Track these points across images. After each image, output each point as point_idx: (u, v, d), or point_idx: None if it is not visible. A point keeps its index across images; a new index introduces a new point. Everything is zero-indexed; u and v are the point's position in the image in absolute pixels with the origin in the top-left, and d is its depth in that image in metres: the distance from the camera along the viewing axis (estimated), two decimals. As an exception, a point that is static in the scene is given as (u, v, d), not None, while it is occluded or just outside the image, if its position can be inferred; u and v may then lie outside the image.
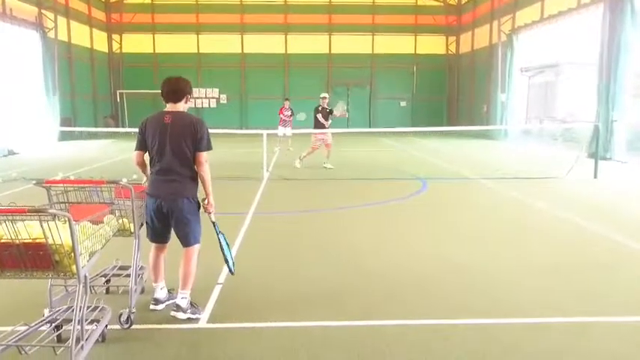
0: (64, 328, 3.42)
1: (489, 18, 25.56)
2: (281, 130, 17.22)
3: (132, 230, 3.92)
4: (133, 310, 3.81)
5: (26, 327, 3.30)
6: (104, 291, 4.42)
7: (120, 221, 3.84)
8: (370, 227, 7.17)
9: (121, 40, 29.95)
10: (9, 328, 3.35)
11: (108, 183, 3.63)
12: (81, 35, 26.12)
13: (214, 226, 4.18)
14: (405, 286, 4.77)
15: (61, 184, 3.65)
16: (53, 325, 3.41)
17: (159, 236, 4.06)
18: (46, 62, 21.57)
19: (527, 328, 3.88)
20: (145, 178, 4.13)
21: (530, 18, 21.11)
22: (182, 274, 4.00)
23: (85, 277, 3.08)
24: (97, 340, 3.49)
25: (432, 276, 5.06)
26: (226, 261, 4.18)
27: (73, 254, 2.90)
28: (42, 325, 3.40)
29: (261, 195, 9.49)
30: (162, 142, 3.84)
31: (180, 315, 3.93)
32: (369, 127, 29.26)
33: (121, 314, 3.78)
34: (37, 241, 2.83)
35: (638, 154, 14.57)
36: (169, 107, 3.96)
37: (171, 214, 3.91)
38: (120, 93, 29.30)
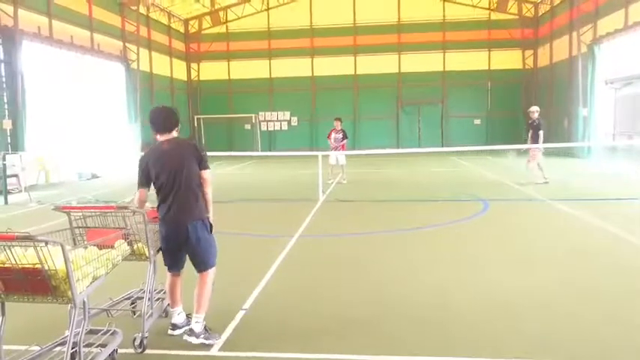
0: (74, 349, 3.49)
1: (568, 29, 24.16)
2: (333, 156, 14.47)
3: (147, 255, 3.96)
4: (146, 335, 3.84)
5: (38, 348, 3.41)
6: (131, 313, 4.50)
7: (135, 246, 3.90)
8: (415, 253, 6.84)
9: (198, 68, 31.53)
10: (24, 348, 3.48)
11: (118, 208, 3.71)
12: (161, 65, 27.81)
13: None
14: (437, 318, 4.45)
15: (79, 210, 3.78)
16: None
17: (174, 262, 4.10)
18: (129, 91, 23.16)
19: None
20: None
21: (613, 26, 19.66)
22: (197, 298, 3.99)
23: (84, 302, 3.13)
24: (107, 363, 3.54)
25: (466, 305, 4.68)
26: None
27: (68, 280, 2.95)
28: (56, 347, 3.50)
29: (312, 217, 9.42)
30: (166, 168, 3.89)
31: (193, 340, 3.90)
32: (442, 145, 28.47)
33: (134, 338, 3.82)
34: (36, 266, 2.91)
35: None
36: (164, 137, 4.02)
37: (185, 239, 3.92)
38: (197, 118, 30.78)
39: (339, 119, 14.94)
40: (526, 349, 3.77)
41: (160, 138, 4.02)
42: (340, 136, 14.64)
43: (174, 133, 4.06)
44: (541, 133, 13.02)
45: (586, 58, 21.63)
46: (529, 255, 6.50)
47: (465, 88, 29.80)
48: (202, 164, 3.98)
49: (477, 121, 30.18)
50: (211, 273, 4.05)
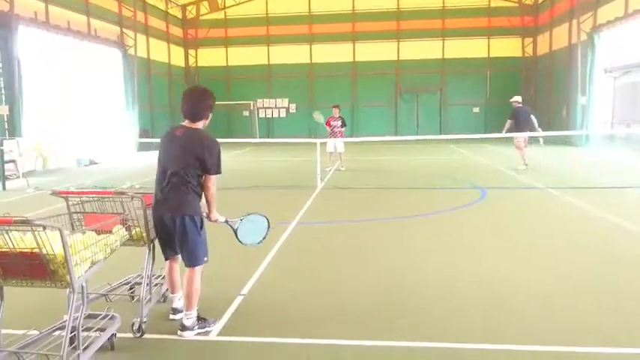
0: (73, 334, 3.50)
1: (568, 17, 24.03)
2: (331, 144, 14.47)
3: (145, 240, 3.96)
4: (145, 319, 3.85)
5: (37, 332, 3.43)
6: (130, 298, 4.50)
7: (133, 231, 3.89)
8: (413, 240, 6.87)
9: (196, 55, 31.35)
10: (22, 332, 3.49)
11: (116, 194, 3.71)
12: (159, 51, 27.62)
13: (227, 223, 4.09)
14: (433, 305, 4.47)
15: (77, 195, 3.77)
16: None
17: (168, 249, 3.98)
18: (126, 77, 23.02)
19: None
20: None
21: (613, 14, 19.56)
22: (186, 295, 3.90)
23: (82, 286, 3.14)
24: (107, 348, 3.56)
25: (465, 293, 4.71)
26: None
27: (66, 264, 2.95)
28: (55, 331, 3.52)
29: (310, 204, 9.43)
30: (170, 156, 3.79)
31: (187, 334, 3.84)
32: (440, 133, 28.42)
33: (133, 323, 3.83)
34: (34, 251, 2.91)
35: None
36: (186, 123, 3.90)
37: (174, 230, 3.81)
38: (195, 105, 30.63)
39: (337, 106, 14.88)
40: (524, 336, 3.79)
41: (184, 123, 3.89)
42: (339, 123, 14.58)
43: (199, 125, 3.89)
44: (507, 121, 14.16)
45: (586, 46, 21.56)
46: (528, 243, 6.52)
47: (464, 76, 29.71)
48: (206, 169, 3.74)
49: (476, 109, 30.13)
50: (198, 270, 3.93)
